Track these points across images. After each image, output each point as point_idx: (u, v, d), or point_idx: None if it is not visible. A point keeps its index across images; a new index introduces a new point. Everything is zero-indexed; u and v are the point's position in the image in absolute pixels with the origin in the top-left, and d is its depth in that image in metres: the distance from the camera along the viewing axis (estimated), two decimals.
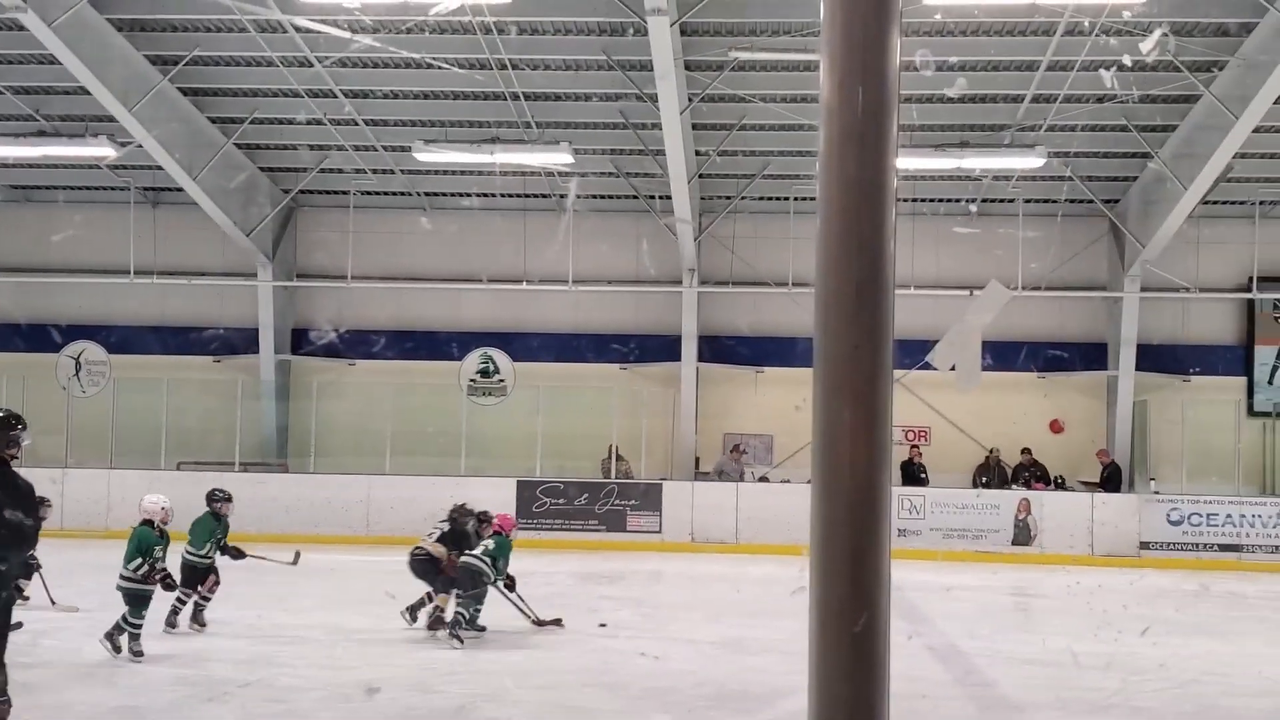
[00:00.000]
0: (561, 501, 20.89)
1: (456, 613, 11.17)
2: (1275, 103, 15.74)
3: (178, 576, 10.84)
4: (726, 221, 22.24)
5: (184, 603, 11.26)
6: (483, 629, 11.38)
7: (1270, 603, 16.15)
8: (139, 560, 10.14)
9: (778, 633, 11.31)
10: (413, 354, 23.37)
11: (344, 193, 22.85)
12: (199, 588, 11.39)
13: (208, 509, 11.73)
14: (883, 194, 2.06)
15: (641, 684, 9.50)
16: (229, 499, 11.89)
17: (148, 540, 10.25)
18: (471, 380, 23.52)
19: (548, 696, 8.99)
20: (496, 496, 20.97)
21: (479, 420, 22.79)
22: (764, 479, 21.64)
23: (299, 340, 23.67)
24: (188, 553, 11.44)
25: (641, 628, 11.90)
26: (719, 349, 22.87)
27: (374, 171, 22.04)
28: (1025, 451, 21.84)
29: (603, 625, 12.03)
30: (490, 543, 11.49)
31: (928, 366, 22.50)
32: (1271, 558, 20.00)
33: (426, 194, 23.07)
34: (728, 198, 21.80)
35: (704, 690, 9.33)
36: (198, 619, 11.35)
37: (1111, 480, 21.15)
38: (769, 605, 13.87)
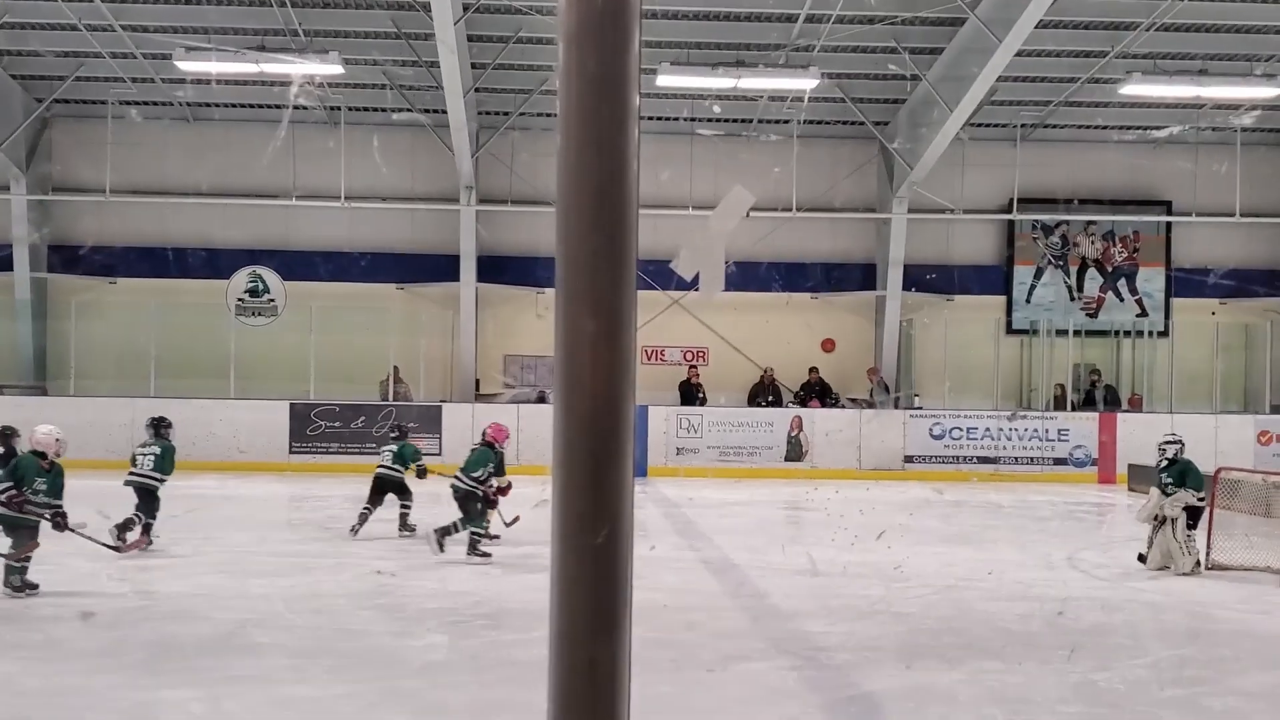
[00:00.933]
0: (338, 425, 20.46)
1: (472, 534, 11.47)
2: (1037, 26, 16.25)
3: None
4: (505, 138, 21.95)
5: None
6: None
7: (1023, 512, 17.00)
8: (8, 485, 9.54)
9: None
10: (177, 272, 22.39)
11: (102, 102, 21.61)
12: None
13: None
14: (623, 92, 1.95)
15: (419, 605, 9.38)
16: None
17: (28, 469, 9.66)
18: (240, 299, 22.69)
19: (321, 621, 8.78)
20: (270, 419, 20.48)
21: (249, 341, 22.06)
22: (541, 399, 21.61)
23: (57, 257, 22.40)
24: None
25: (419, 552, 11.74)
26: (499, 268, 22.64)
27: (133, 80, 20.88)
28: (813, 370, 22.41)
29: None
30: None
31: (728, 290, 22.90)
32: (1027, 468, 21.07)
33: (189, 104, 22.01)
34: (506, 113, 21.48)
35: (482, 609, 9.28)
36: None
37: (879, 396, 21.91)
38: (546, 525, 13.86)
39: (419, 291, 22.76)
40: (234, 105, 21.88)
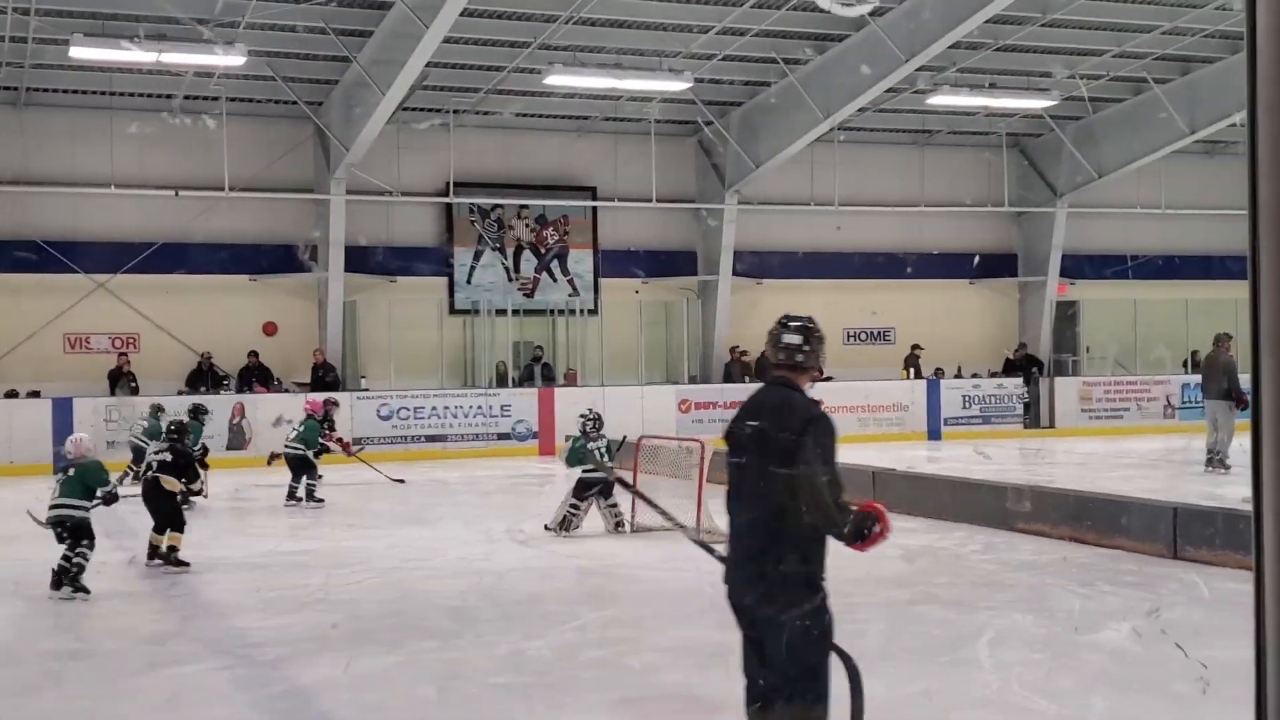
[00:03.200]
0: None
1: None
2: (463, 14, 16.58)
3: None
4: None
5: None
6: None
7: (470, 487, 17.41)
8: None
9: None
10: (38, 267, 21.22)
11: None
12: None
13: None
14: None
15: None
16: None
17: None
18: None
19: None
20: None
21: None
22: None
23: None
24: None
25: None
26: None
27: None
28: (252, 354, 21.82)
29: None
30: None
31: (137, 270, 21.64)
32: (473, 445, 21.63)
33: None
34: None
35: None
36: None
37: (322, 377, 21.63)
38: None
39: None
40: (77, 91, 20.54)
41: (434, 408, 21.68)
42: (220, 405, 20.24)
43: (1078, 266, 27.33)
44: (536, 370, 23.58)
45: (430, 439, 21.51)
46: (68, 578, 9.28)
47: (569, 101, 22.77)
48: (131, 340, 21.93)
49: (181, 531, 10.73)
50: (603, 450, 12.49)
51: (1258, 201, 1.63)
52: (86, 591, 9.29)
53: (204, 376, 21.50)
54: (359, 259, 22.69)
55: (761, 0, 18.83)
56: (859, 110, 22.00)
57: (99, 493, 9.60)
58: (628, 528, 12.23)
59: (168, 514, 10.74)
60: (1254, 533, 1.66)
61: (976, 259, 26.99)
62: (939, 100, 23.09)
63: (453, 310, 23.83)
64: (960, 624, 8.16)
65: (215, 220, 21.94)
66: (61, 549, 9.38)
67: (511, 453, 21.55)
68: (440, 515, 14.54)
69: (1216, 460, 16.85)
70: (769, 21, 19.66)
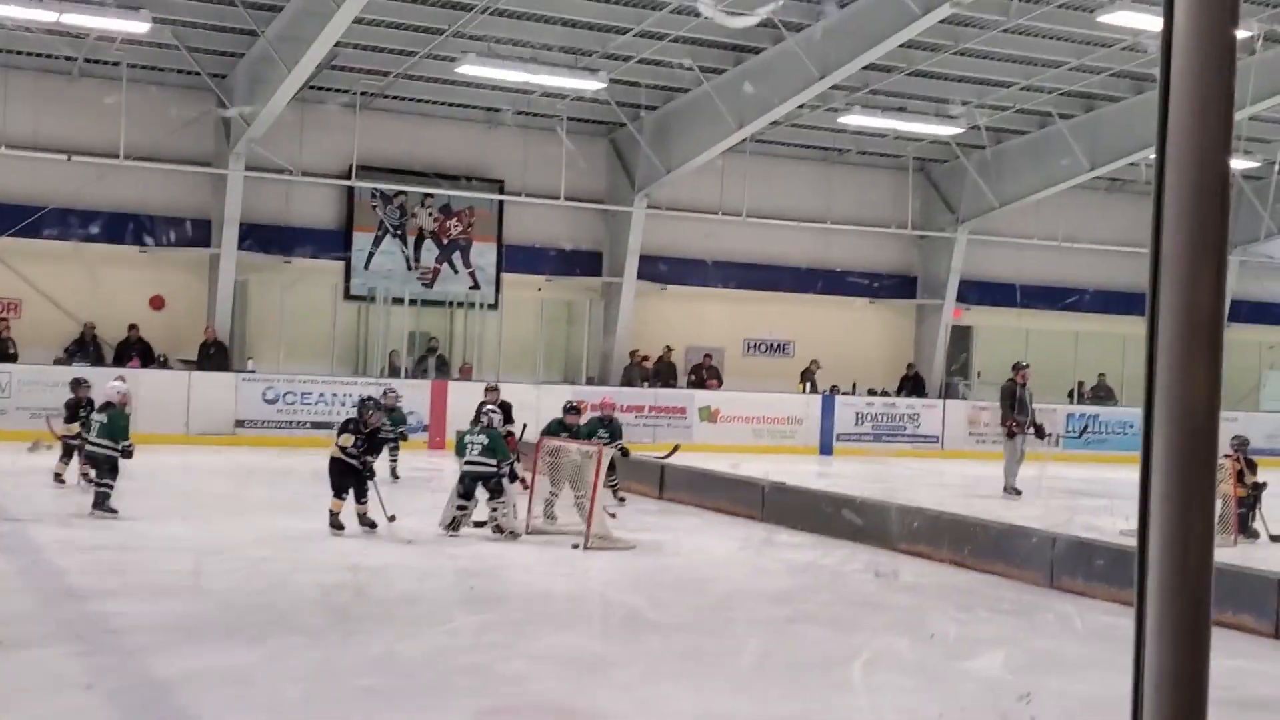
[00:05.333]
0: None
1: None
2: None
3: None
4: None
5: None
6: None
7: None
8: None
9: None
10: None
11: None
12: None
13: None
14: None
15: None
16: None
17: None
18: None
19: None
20: None
21: None
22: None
23: None
24: None
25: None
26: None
27: None
28: (132, 327, 21.20)
29: None
30: None
31: (23, 234, 20.94)
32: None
33: None
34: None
35: None
36: None
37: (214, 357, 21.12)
38: None
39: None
40: None
41: (322, 394, 21.25)
42: (99, 379, 19.61)
43: (974, 292, 27.71)
44: (431, 362, 23.26)
45: (316, 425, 21.02)
46: (103, 503, 11.78)
47: (481, 92, 22.51)
48: (13, 305, 21.23)
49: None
50: (485, 442, 11.87)
51: (1161, 239, 1.69)
52: (114, 512, 11.81)
53: (85, 346, 20.86)
54: (254, 237, 22.18)
55: (681, 6, 18.78)
56: (772, 123, 22.07)
57: (121, 445, 11.96)
58: (508, 532, 11.84)
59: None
60: (1138, 567, 1.69)
61: (878, 279, 27.26)
62: (850, 119, 23.27)
63: (348, 295, 23.42)
64: (837, 644, 8.14)
65: (108, 188, 21.34)
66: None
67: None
68: (320, 506, 14.20)
69: (1009, 489, 17.56)
70: (687, 28, 19.63)
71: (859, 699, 6.85)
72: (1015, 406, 17.68)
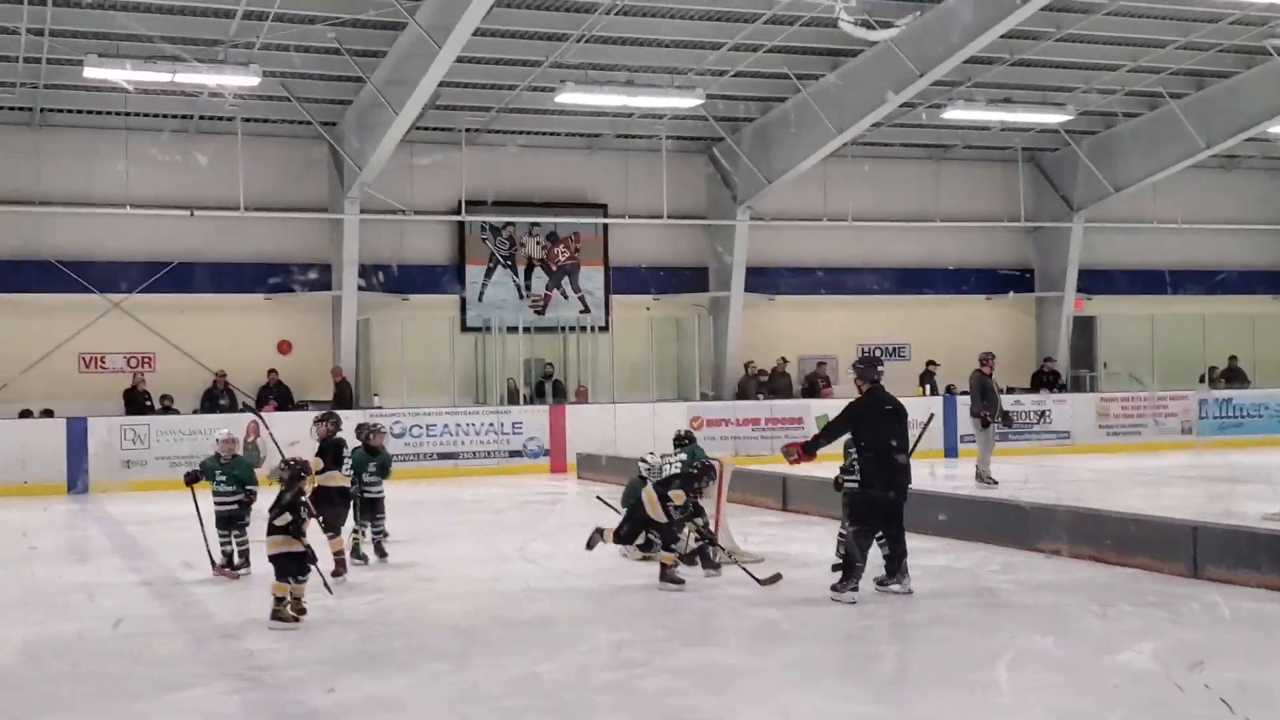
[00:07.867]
0: None
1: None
2: (475, 34, 16.59)
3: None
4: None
5: None
6: None
7: (481, 506, 17.37)
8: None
9: None
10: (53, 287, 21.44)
11: None
12: None
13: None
14: None
15: None
16: None
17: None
18: None
19: None
20: None
21: None
22: None
23: None
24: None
25: None
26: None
27: None
28: (271, 372, 22.00)
29: None
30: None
31: (152, 289, 21.68)
32: (484, 462, 21.56)
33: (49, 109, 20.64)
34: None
35: None
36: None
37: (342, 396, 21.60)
38: None
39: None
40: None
41: (446, 425, 21.62)
42: (236, 422, 20.20)
43: (1094, 281, 27.18)
44: (548, 387, 23.54)
45: (442, 456, 21.44)
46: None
47: (580, 119, 22.76)
48: (147, 359, 21.98)
49: None
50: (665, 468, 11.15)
51: None
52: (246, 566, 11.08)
53: (218, 395, 21.50)
54: (372, 277, 22.71)
55: (773, 17, 18.78)
56: (873, 125, 21.94)
57: (247, 489, 11.20)
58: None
59: None
60: None
61: (993, 274, 26.89)
62: (954, 115, 23.02)
63: (465, 328, 23.84)
64: (978, 646, 8.05)
65: (230, 239, 22.06)
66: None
67: (524, 470, 21.48)
68: (452, 534, 14.47)
69: (985, 477, 17.68)
70: (781, 38, 19.63)
71: (1004, 699, 6.77)
72: (985, 396, 18.05)
